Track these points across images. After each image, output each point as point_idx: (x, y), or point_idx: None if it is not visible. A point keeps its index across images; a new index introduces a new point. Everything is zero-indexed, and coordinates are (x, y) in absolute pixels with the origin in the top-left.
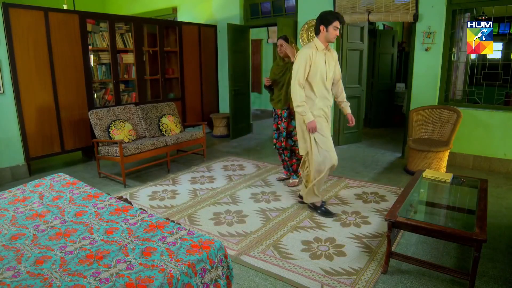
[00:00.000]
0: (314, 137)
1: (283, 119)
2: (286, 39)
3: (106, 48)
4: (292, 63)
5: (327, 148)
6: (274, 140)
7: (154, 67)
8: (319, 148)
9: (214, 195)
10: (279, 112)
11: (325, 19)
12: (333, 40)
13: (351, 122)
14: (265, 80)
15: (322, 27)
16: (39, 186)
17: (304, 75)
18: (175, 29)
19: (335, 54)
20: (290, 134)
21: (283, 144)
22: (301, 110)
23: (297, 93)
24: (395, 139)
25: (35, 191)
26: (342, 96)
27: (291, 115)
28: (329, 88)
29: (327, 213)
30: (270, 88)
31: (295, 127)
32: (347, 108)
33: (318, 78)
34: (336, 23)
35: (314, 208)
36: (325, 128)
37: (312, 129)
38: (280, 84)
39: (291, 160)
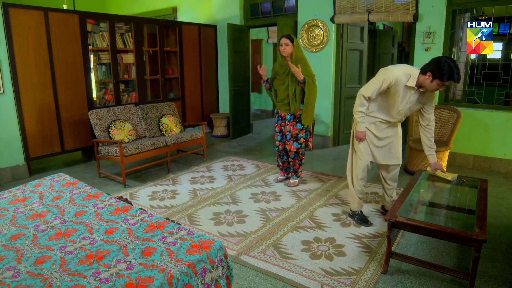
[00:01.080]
0: (356, 147)
1: (286, 121)
2: (292, 40)
3: (106, 48)
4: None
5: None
6: (277, 142)
7: (154, 67)
8: (356, 158)
9: (214, 195)
10: (283, 114)
11: (439, 71)
12: (430, 91)
13: (433, 170)
14: (261, 70)
15: (429, 74)
16: (39, 186)
17: (375, 92)
18: (175, 29)
19: (428, 95)
20: (296, 137)
21: (286, 146)
22: (356, 117)
23: (359, 102)
24: None
25: (35, 191)
26: (431, 142)
27: (295, 118)
28: (399, 119)
29: (363, 221)
30: (269, 85)
31: (300, 130)
32: (432, 157)
33: (388, 104)
34: (447, 83)
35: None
36: (375, 139)
37: (359, 139)
38: (285, 84)
39: (294, 160)
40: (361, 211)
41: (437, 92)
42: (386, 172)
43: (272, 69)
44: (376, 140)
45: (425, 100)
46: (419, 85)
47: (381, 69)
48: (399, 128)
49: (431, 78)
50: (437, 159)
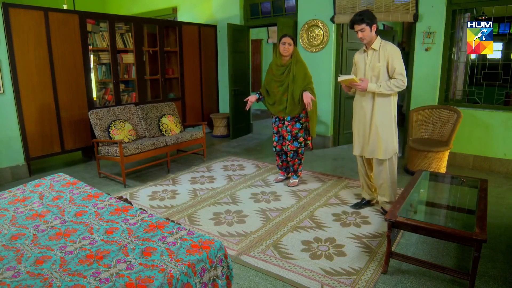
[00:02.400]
0: None
1: (286, 122)
2: (294, 40)
3: (106, 48)
4: (294, 63)
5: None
6: (274, 143)
7: (154, 67)
8: None
9: (214, 195)
10: (281, 116)
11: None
12: (363, 42)
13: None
14: (250, 100)
15: None
16: (39, 186)
17: (352, 72)
18: (175, 29)
19: (382, 52)
20: (296, 136)
21: (288, 147)
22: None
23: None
24: None
25: (35, 191)
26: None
27: (294, 118)
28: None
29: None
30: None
31: (300, 129)
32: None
33: (360, 75)
34: (354, 28)
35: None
36: (357, 122)
37: (362, 88)
38: (284, 85)
39: (293, 160)
40: (363, 198)
41: (437, 92)
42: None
43: (267, 72)
44: (361, 129)
45: (384, 55)
46: (367, 45)
47: None
48: (388, 120)
49: None
50: (436, 159)
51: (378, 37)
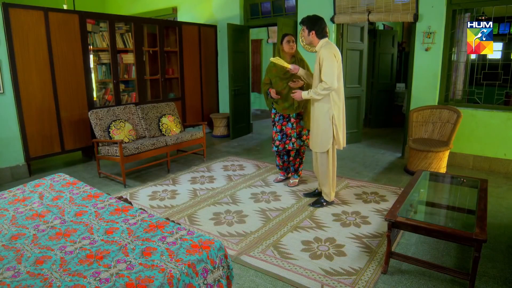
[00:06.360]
0: None
1: (292, 119)
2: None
3: (106, 48)
4: (298, 61)
5: None
6: (277, 142)
7: (154, 67)
8: None
9: (214, 195)
10: (286, 114)
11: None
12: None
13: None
14: (273, 92)
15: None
16: (39, 186)
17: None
18: (175, 29)
19: (319, 54)
20: (300, 134)
21: (294, 144)
22: None
23: None
24: (395, 139)
25: (35, 191)
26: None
27: (299, 115)
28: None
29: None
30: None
31: (303, 127)
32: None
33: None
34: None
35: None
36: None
37: (296, 97)
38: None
39: (295, 159)
40: (317, 189)
41: (437, 92)
42: None
43: (267, 71)
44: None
45: (317, 61)
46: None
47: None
48: (314, 113)
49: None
50: (436, 159)
51: (321, 40)
